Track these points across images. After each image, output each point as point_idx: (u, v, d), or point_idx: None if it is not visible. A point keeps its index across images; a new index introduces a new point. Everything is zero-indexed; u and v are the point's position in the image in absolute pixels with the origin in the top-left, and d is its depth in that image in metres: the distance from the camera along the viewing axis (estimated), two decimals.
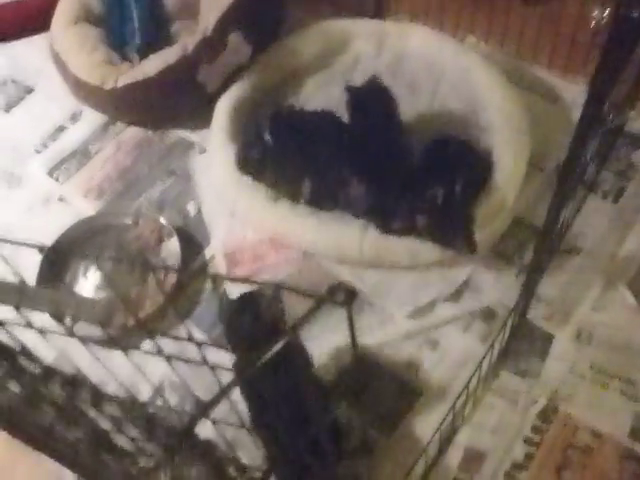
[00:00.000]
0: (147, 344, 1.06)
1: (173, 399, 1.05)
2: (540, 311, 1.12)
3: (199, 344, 0.44)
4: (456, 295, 1.15)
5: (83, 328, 1.00)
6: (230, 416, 0.57)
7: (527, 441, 1.00)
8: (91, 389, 0.42)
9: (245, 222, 1.26)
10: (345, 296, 0.37)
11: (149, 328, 1.09)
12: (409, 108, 1.29)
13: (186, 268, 1.22)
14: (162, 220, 1.25)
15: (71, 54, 1.44)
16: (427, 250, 1.14)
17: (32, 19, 1.62)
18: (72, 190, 1.38)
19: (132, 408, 0.45)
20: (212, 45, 1.36)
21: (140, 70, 1.37)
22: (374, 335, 1.12)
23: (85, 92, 1.44)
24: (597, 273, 1.15)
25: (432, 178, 1.13)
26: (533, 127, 1.27)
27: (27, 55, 1.62)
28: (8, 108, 1.54)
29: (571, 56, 1.37)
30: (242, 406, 0.87)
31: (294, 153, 1.20)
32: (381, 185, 1.14)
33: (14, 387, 0.57)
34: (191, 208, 1.32)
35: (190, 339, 0.44)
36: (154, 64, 1.37)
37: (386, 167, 1.15)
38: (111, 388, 0.62)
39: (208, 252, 1.25)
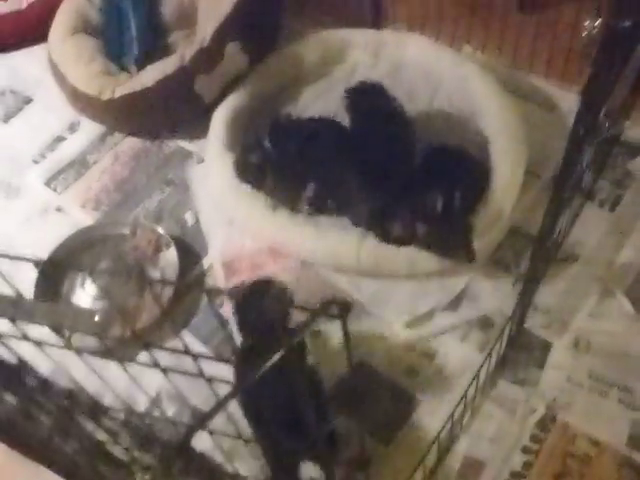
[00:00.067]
0: (144, 355, 1.06)
1: (171, 409, 1.05)
2: (538, 319, 1.12)
3: (195, 356, 0.44)
4: (454, 304, 1.15)
5: (80, 339, 1.00)
6: (227, 427, 0.57)
7: (525, 450, 1.00)
8: (87, 404, 0.42)
9: (243, 231, 1.26)
10: (339, 309, 0.37)
11: (146, 339, 1.09)
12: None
13: (184, 278, 1.22)
14: (160, 230, 1.26)
15: (69, 65, 1.45)
16: (425, 259, 1.14)
17: (31, 30, 1.63)
18: (70, 200, 1.38)
19: (128, 421, 0.45)
20: (210, 55, 1.36)
21: (138, 80, 1.38)
22: (372, 344, 1.12)
23: (83, 102, 1.44)
24: (594, 281, 1.15)
25: (431, 186, 1.13)
26: (530, 135, 1.27)
27: (26, 66, 1.63)
28: (6, 118, 1.55)
29: (567, 65, 1.38)
30: (239, 416, 0.87)
31: (294, 159, 1.20)
32: (382, 190, 1.14)
33: (11, 399, 0.57)
34: (189, 218, 1.32)
35: (186, 352, 0.44)
36: (152, 74, 1.37)
37: (388, 170, 1.15)
38: (108, 399, 0.62)
39: (206, 261, 1.25)
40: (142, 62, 1.44)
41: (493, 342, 1.04)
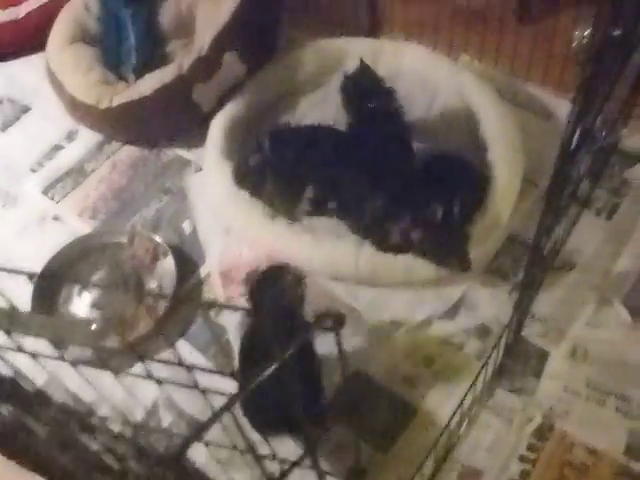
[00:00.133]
0: (141, 365, 1.06)
1: (167, 419, 1.04)
2: (535, 328, 1.12)
3: (190, 368, 0.44)
4: (451, 312, 1.15)
5: (76, 350, 1.00)
6: (224, 437, 0.57)
7: (523, 459, 1.00)
8: (81, 418, 0.42)
9: (241, 239, 1.26)
10: (333, 322, 0.37)
11: (143, 349, 1.09)
12: None
13: (181, 287, 1.21)
14: (157, 239, 1.26)
15: (67, 74, 1.45)
16: (422, 267, 1.14)
17: (29, 39, 1.64)
18: (67, 209, 1.38)
19: (122, 435, 0.45)
20: (207, 64, 1.37)
21: (136, 89, 1.38)
22: (369, 352, 1.11)
23: (81, 111, 1.44)
24: (591, 289, 1.15)
25: (430, 194, 1.13)
26: (527, 144, 1.28)
27: (24, 74, 1.63)
28: (4, 127, 1.55)
29: (564, 73, 1.38)
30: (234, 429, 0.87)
31: (293, 163, 1.21)
32: (380, 195, 1.15)
33: (6, 410, 0.57)
34: (186, 226, 1.32)
35: (180, 364, 0.44)
36: (150, 83, 1.37)
37: (386, 175, 1.16)
38: (104, 409, 0.62)
39: (203, 270, 1.25)
40: (140, 71, 1.44)
41: (490, 351, 1.04)
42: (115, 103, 1.38)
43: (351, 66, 1.47)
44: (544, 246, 0.90)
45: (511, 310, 1.02)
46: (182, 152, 1.45)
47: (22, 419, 0.57)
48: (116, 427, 0.58)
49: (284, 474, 0.50)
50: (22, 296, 1.15)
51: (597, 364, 1.08)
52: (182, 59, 1.38)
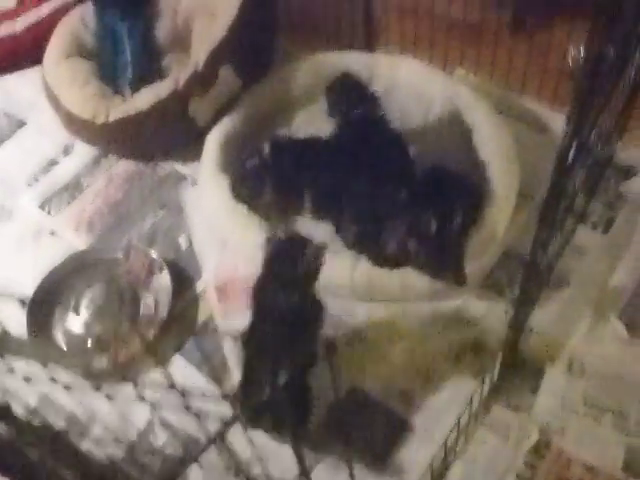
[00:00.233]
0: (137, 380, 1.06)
1: (162, 438, 1.03)
2: (531, 343, 1.11)
3: (183, 394, 0.43)
4: (447, 327, 1.15)
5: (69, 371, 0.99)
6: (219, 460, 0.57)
7: (520, 476, 0.99)
8: (70, 446, 0.42)
9: (237, 254, 1.26)
10: (326, 349, 0.37)
11: (136, 368, 1.08)
12: None
13: (177, 302, 1.21)
14: (153, 254, 1.25)
15: (63, 88, 1.45)
16: (418, 281, 1.14)
17: (25, 53, 1.63)
18: (63, 223, 1.38)
19: (113, 461, 0.45)
20: (203, 79, 1.37)
21: (132, 104, 1.38)
22: (365, 369, 1.11)
23: (77, 126, 1.44)
24: (588, 304, 1.15)
25: (426, 207, 1.13)
26: (522, 157, 1.28)
27: (19, 88, 1.63)
28: (0, 142, 1.54)
29: (559, 87, 1.39)
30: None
31: (291, 173, 1.21)
32: (374, 211, 1.15)
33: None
34: (182, 241, 1.32)
35: (172, 386, 0.44)
36: (146, 98, 1.37)
37: (383, 189, 1.16)
38: (97, 429, 0.61)
39: (199, 285, 1.25)
40: (136, 85, 1.44)
41: (486, 366, 1.04)
42: (112, 118, 1.37)
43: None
44: (540, 261, 0.90)
45: (507, 325, 1.02)
46: (178, 166, 1.45)
47: (15, 440, 0.56)
48: (109, 448, 0.58)
49: None
50: (18, 313, 1.15)
51: (594, 380, 1.07)
52: (178, 74, 1.38)
